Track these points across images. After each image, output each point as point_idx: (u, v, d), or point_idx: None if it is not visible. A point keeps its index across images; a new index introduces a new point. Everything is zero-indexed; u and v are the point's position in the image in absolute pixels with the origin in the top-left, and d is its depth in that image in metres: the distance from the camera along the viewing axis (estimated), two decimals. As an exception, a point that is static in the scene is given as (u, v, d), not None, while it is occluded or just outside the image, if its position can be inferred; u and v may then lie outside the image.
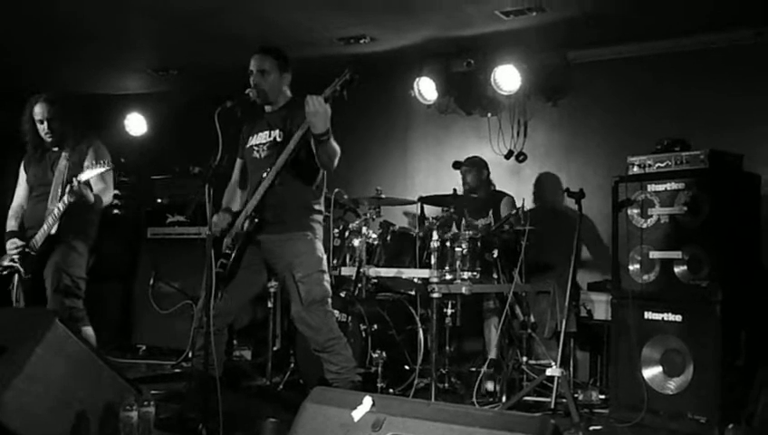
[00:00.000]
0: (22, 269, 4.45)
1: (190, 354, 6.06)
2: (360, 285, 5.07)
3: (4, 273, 4.49)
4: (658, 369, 4.48)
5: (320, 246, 4.15)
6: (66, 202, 4.32)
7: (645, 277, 4.59)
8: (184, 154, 6.96)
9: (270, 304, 5.55)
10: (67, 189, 4.31)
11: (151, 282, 6.66)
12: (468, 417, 2.28)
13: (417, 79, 6.31)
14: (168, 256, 6.72)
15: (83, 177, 4.30)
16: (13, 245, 4.50)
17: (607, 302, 5.37)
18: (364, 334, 4.90)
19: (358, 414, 2.44)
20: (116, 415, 3.20)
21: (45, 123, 4.59)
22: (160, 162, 7.25)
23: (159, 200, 6.98)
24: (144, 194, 7.17)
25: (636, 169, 4.70)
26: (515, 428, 2.18)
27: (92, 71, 6.97)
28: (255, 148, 4.22)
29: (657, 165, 4.61)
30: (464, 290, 4.79)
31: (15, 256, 4.46)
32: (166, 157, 7.32)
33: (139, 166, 7.34)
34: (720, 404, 4.18)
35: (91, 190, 4.47)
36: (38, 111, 4.60)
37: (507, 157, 6.28)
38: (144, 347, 6.76)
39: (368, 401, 2.45)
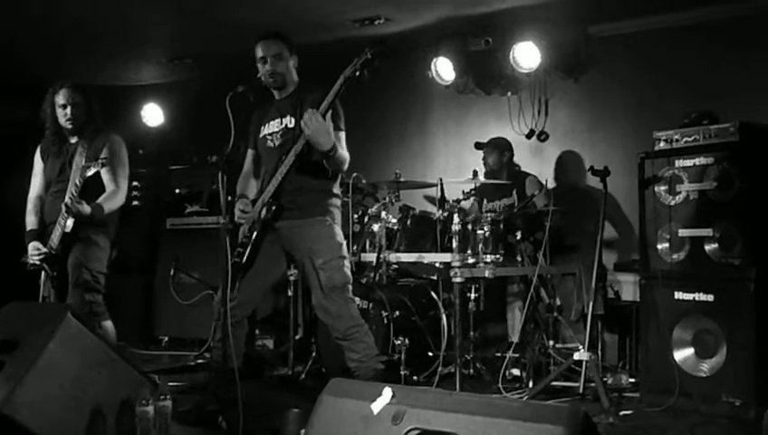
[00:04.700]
0: (47, 267, 4.40)
1: (211, 345, 6.08)
2: (380, 271, 4.97)
3: (32, 269, 4.45)
4: (690, 351, 4.34)
5: (339, 231, 4.07)
6: (66, 216, 4.28)
7: (674, 256, 4.45)
8: (201, 143, 6.91)
9: (290, 293, 5.47)
10: (64, 207, 4.27)
11: (172, 273, 6.60)
12: (493, 407, 2.17)
13: (435, 59, 6.18)
14: (188, 247, 6.67)
15: (76, 187, 4.25)
16: (34, 249, 4.44)
17: (634, 282, 5.25)
18: (386, 321, 4.81)
19: (377, 406, 2.34)
20: (132, 410, 3.14)
21: (69, 108, 4.51)
22: (178, 152, 7.22)
23: (177, 191, 6.93)
24: (162, 185, 7.12)
25: (662, 144, 4.54)
26: (543, 418, 2.06)
27: (107, 62, 6.92)
28: (269, 137, 4.16)
29: (684, 139, 4.45)
30: (487, 274, 4.67)
31: (38, 259, 4.41)
32: (183, 147, 7.29)
33: (156, 157, 7.30)
34: (755, 386, 4.03)
35: (104, 190, 4.46)
36: (62, 95, 4.52)
37: (528, 136, 6.14)
38: (166, 338, 6.74)
39: (387, 392, 2.35)
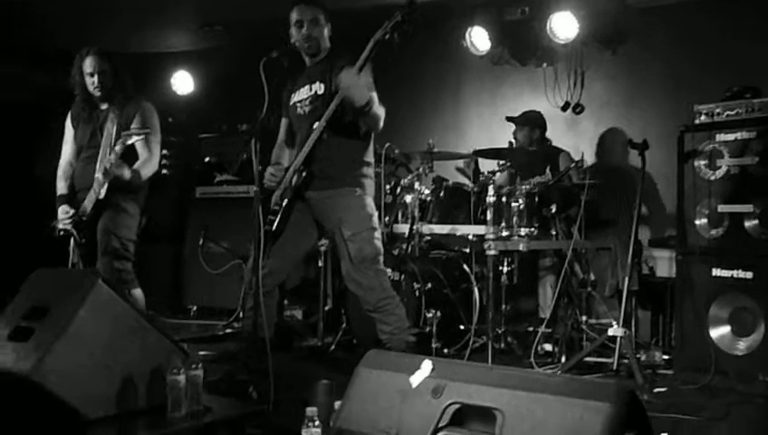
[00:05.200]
0: (76, 233, 4.39)
1: (241, 314, 6.08)
2: (412, 243, 4.91)
3: (61, 234, 4.44)
4: (727, 328, 4.27)
5: (370, 202, 4.01)
6: (101, 180, 4.25)
7: (713, 232, 4.36)
8: (231, 112, 6.87)
9: (321, 263, 5.43)
10: (102, 168, 4.25)
11: (201, 242, 6.59)
12: (536, 382, 2.12)
13: (470, 29, 6.07)
14: (217, 216, 6.65)
15: (117, 151, 4.22)
16: (64, 213, 4.44)
17: (670, 258, 5.15)
18: (418, 293, 4.76)
19: (416, 379, 2.29)
20: (163, 379, 3.11)
21: (96, 76, 4.49)
22: (207, 121, 7.17)
23: (207, 159, 6.90)
24: (192, 153, 7.10)
25: (703, 117, 4.44)
26: (589, 395, 2.01)
27: (136, 28, 6.85)
28: (299, 104, 4.11)
29: (726, 113, 4.34)
30: (521, 247, 4.60)
31: (68, 223, 4.40)
32: (213, 115, 7.24)
33: (186, 125, 7.27)
34: (793, 365, 3.97)
35: (137, 157, 4.44)
36: (89, 63, 4.50)
37: (564, 109, 6.03)
38: (195, 308, 6.73)
39: (427, 365, 2.30)
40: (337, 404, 2.76)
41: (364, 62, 3.72)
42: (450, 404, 2.21)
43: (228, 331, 5.92)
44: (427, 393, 2.26)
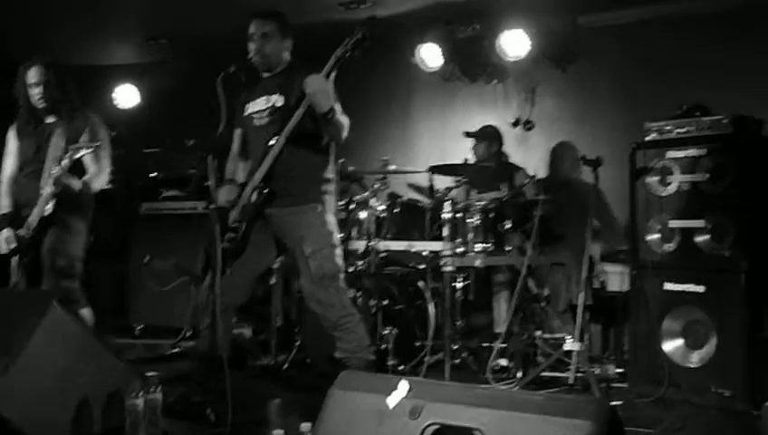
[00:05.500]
0: (19, 253, 4.24)
1: (188, 334, 5.95)
2: (368, 260, 4.88)
3: (5, 253, 4.28)
4: (680, 341, 4.33)
5: (331, 218, 3.97)
6: (51, 193, 4.12)
7: (665, 247, 4.42)
8: (175, 126, 6.76)
9: (273, 281, 5.35)
10: (51, 180, 4.12)
11: (146, 259, 6.43)
12: (517, 402, 2.10)
13: (420, 45, 6.12)
14: (164, 232, 6.51)
15: (65, 164, 4.09)
16: (8, 233, 4.27)
17: (620, 273, 5.25)
18: (373, 310, 4.72)
19: (393, 400, 2.25)
20: (120, 402, 3.02)
21: (40, 87, 4.35)
22: (152, 135, 7.03)
23: (153, 174, 6.75)
24: (136, 168, 6.93)
25: (654, 135, 4.51)
26: (571, 413, 2.00)
27: (81, 40, 6.72)
28: (255, 115, 4.05)
29: (677, 131, 4.42)
30: (477, 263, 4.63)
31: (13, 244, 4.24)
32: (158, 129, 7.10)
33: (130, 139, 7.09)
34: (745, 377, 4.03)
35: (85, 171, 4.31)
36: (32, 74, 4.36)
37: (514, 125, 6.12)
38: (141, 327, 6.54)
39: (403, 385, 2.26)
40: (305, 426, 2.70)
41: (328, 73, 3.68)
42: (429, 425, 2.17)
43: (177, 350, 5.77)
44: (405, 415, 2.22)
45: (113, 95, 7.43)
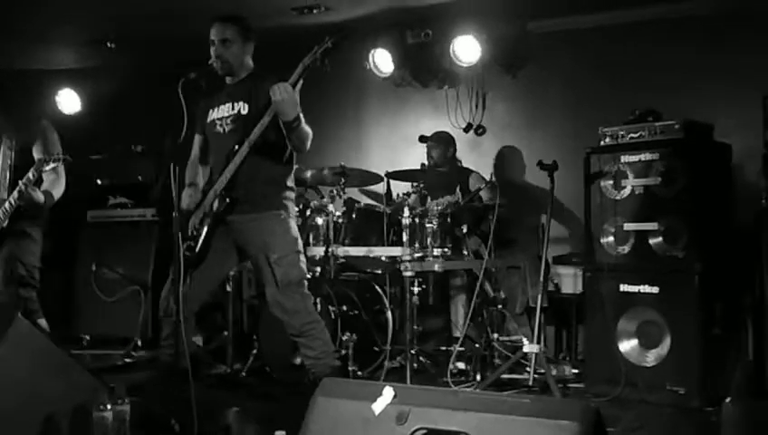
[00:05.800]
0: None
1: (139, 343, 5.83)
2: (328, 266, 4.86)
3: None
4: (635, 341, 4.43)
5: (294, 225, 3.97)
6: (14, 204, 4.02)
7: (619, 249, 4.52)
8: (123, 132, 6.60)
9: (228, 288, 5.28)
10: (15, 193, 4.04)
11: (93, 268, 6.29)
12: (502, 405, 2.12)
13: (373, 51, 6.11)
14: (111, 241, 6.36)
15: (32, 176, 4.00)
16: None
17: (574, 275, 5.33)
18: (333, 316, 4.71)
19: (378, 407, 2.24)
20: (88, 415, 2.94)
21: None
22: (97, 141, 6.84)
23: (99, 182, 6.59)
24: (81, 175, 6.73)
25: (608, 140, 4.61)
26: (556, 415, 2.03)
27: (22, 44, 6.49)
28: (218, 122, 4.00)
29: (630, 136, 4.53)
30: (436, 267, 4.65)
31: None
32: (104, 135, 6.92)
33: (73, 145, 6.90)
34: (699, 375, 4.16)
35: (41, 183, 4.21)
36: None
37: (466, 130, 6.16)
38: (88, 337, 6.35)
39: (388, 391, 2.26)
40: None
41: (295, 83, 3.66)
42: (416, 430, 2.17)
43: (128, 360, 5.66)
44: (391, 421, 2.22)
45: (57, 99, 7.21)
